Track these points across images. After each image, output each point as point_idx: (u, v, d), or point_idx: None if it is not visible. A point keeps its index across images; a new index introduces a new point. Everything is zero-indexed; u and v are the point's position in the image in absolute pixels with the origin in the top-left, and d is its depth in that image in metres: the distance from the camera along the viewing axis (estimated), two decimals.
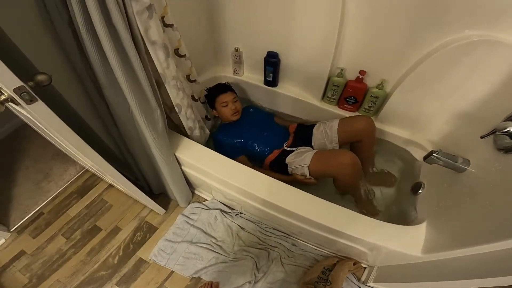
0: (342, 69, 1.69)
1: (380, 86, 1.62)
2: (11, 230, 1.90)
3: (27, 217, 1.94)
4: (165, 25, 1.32)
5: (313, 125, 1.82)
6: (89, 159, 1.18)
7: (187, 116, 1.57)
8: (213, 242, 1.68)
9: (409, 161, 1.80)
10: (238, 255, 1.63)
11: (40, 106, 0.89)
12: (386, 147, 1.85)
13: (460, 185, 1.22)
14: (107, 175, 1.36)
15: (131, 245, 1.78)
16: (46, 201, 2.02)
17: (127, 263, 1.71)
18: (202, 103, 1.93)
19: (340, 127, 1.68)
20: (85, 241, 1.82)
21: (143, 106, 1.22)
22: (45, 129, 1.12)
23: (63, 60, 1.16)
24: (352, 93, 1.73)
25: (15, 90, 0.79)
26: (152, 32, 1.15)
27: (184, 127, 1.60)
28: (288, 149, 1.73)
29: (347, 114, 1.83)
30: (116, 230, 1.85)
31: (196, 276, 1.60)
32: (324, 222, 1.29)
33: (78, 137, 1.08)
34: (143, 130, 1.28)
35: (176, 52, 1.48)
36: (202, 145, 1.62)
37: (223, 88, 1.90)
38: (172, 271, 1.64)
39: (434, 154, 1.20)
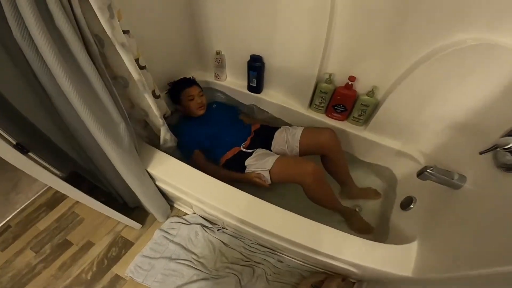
0: (330, 75, 1.55)
1: (371, 93, 1.49)
2: None
3: None
4: (123, 31, 1.13)
5: (277, 128, 1.72)
6: (26, 170, 1.05)
7: (167, 127, 1.46)
8: (193, 258, 1.55)
9: (394, 176, 1.70)
10: (221, 272, 1.50)
11: None
12: (374, 159, 1.75)
13: (455, 202, 1.12)
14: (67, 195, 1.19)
15: (106, 261, 1.63)
16: (13, 214, 1.86)
17: (102, 279, 1.58)
18: (166, 118, 1.76)
19: (302, 137, 1.60)
20: (56, 256, 1.67)
21: (102, 119, 1.05)
22: None
23: (10, 67, 0.98)
24: (341, 100, 1.60)
25: None
26: (117, 33, 0.99)
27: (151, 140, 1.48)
28: (245, 150, 1.62)
29: (335, 123, 1.70)
30: (88, 245, 1.69)
31: None
32: (305, 242, 1.19)
33: (12, 149, 0.96)
34: (103, 147, 1.12)
35: (137, 63, 1.28)
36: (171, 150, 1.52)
37: (189, 82, 1.79)
38: None
39: (428, 171, 1.10)
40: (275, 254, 1.55)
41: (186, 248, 1.58)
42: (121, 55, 1.01)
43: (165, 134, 1.46)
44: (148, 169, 1.40)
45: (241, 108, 2.04)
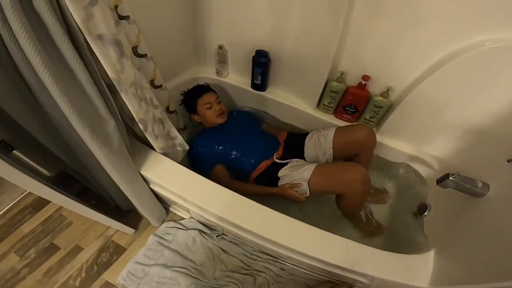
0: (342, 73, 1.45)
1: (385, 94, 1.39)
2: None
3: None
4: (120, 17, 1.03)
5: (306, 134, 1.58)
6: (6, 177, 0.95)
7: (156, 134, 1.28)
8: (191, 266, 1.44)
9: (411, 179, 1.58)
10: (220, 281, 1.40)
11: None
12: (385, 161, 1.64)
13: (477, 211, 1.06)
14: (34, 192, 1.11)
15: (95, 267, 1.53)
16: None
17: (91, 286, 1.48)
18: (171, 112, 1.61)
19: (336, 137, 1.45)
20: (41, 260, 1.56)
21: (88, 116, 0.94)
22: None
23: None
24: (353, 101, 1.49)
25: None
26: (97, 22, 0.86)
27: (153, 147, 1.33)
28: (279, 161, 1.48)
29: (345, 124, 1.59)
30: (77, 250, 1.58)
31: None
32: (315, 254, 1.10)
33: None
34: (90, 147, 1.01)
35: (135, 51, 1.17)
36: (179, 160, 1.37)
37: (204, 88, 1.65)
38: None
39: (450, 178, 1.02)
40: (277, 262, 1.45)
41: (183, 255, 1.48)
42: (93, 49, 0.88)
43: (155, 141, 1.31)
44: (142, 171, 1.29)
45: (263, 117, 1.92)
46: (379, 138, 1.51)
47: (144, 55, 1.21)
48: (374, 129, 1.55)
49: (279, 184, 1.40)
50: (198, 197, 1.24)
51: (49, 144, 1.24)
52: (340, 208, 1.38)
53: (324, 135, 1.48)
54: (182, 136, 1.49)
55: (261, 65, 1.63)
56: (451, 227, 1.14)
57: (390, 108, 1.43)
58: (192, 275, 1.42)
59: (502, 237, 0.88)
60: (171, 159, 1.35)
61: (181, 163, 1.37)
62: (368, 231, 1.46)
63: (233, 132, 1.61)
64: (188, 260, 1.47)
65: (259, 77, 1.69)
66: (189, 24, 1.67)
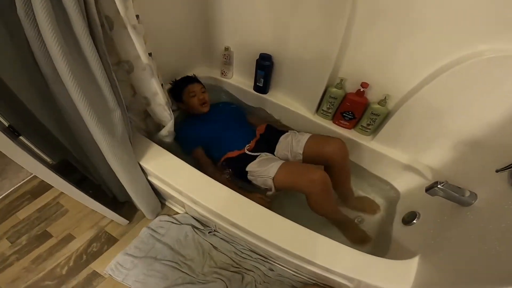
0: (342, 80, 1.50)
1: (383, 102, 1.44)
2: None
3: None
4: None
5: (283, 132, 1.65)
6: (10, 155, 0.99)
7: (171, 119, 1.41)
8: (180, 260, 1.47)
9: (398, 190, 1.64)
10: (208, 277, 1.43)
11: None
12: (378, 171, 1.69)
13: (462, 219, 1.09)
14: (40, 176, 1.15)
15: (84, 256, 1.55)
16: None
17: (78, 275, 1.49)
18: None
19: (308, 144, 1.51)
20: (32, 247, 1.59)
21: (97, 105, 1.00)
22: None
23: (8, 45, 0.92)
24: (351, 107, 1.54)
25: None
26: (131, 14, 0.96)
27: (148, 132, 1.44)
28: (249, 153, 1.54)
29: (342, 131, 1.64)
30: (68, 238, 1.61)
31: None
32: (300, 252, 1.13)
33: (5, 137, 0.91)
34: (94, 134, 1.06)
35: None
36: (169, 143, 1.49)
37: (191, 79, 1.77)
38: None
39: (438, 186, 1.05)
40: (267, 262, 1.48)
41: (174, 249, 1.51)
42: (132, 37, 0.99)
43: (171, 126, 1.43)
44: (141, 162, 1.34)
45: (249, 109, 1.98)
46: (374, 145, 1.57)
47: (150, 54, 1.27)
48: (371, 136, 1.60)
49: (248, 177, 1.47)
50: (193, 190, 1.28)
51: (54, 132, 1.29)
52: (311, 208, 1.41)
53: (297, 139, 1.54)
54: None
55: (264, 68, 1.69)
56: (437, 234, 1.16)
57: (387, 116, 1.48)
58: (180, 269, 1.44)
59: (486, 245, 0.90)
60: (166, 142, 1.51)
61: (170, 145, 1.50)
62: (355, 238, 1.50)
63: (214, 120, 1.72)
64: (178, 254, 1.50)
65: (262, 80, 1.76)
66: (199, 25, 1.75)
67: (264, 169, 1.41)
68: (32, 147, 1.54)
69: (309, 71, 1.55)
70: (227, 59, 1.86)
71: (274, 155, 1.59)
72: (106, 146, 1.10)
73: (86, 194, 1.33)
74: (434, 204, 1.24)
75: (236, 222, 1.20)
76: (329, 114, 1.66)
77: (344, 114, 1.59)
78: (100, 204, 1.41)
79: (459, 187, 1.06)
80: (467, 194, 1.06)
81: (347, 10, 1.21)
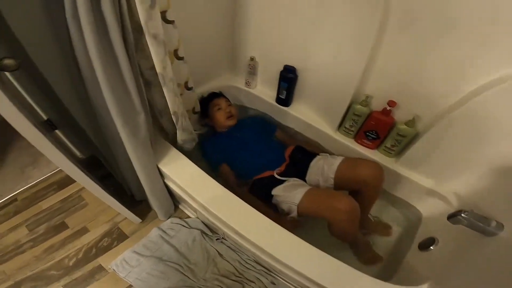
0: (367, 97, 1.46)
1: (411, 123, 1.37)
2: None
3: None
4: (166, 21, 1.18)
5: (314, 155, 1.59)
6: (39, 148, 1.03)
7: (183, 128, 1.43)
8: (184, 263, 1.48)
9: (420, 214, 1.53)
10: (208, 283, 1.41)
11: None
12: (400, 193, 1.60)
13: (484, 250, 1.02)
14: (63, 168, 1.20)
15: (94, 250, 1.60)
16: (23, 188, 1.90)
17: (83, 268, 1.53)
18: (196, 113, 1.77)
19: (340, 168, 1.43)
20: (47, 237, 1.65)
21: (124, 107, 1.07)
22: None
23: (54, 46, 1.04)
24: (375, 126, 1.49)
25: None
26: (154, 24, 1.01)
27: (176, 137, 1.47)
28: (278, 177, 1.48)
29: (364, 150, 1.59)
30: (83, 231, 1.68)
31: None
32: (308, 273, 1.08)
33: (31, 125, 0.94)
34: (121, 134, 1.14)
35: (175, 53, 1.33)
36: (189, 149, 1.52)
37: (216, 94, 1.83)
38: (130, 286, 1.44)
39: (462, 215, 1.00)
40: (269, 275, 1.44)
41: (180, 251, 1.52)
42: (149, 46, 1.03)
43: (181, 134, 1.44)
44: (159, 165, 1.39)
45: (278, 125, 1.95)
46: (397, 168, 1.50)
47: (182, 58, 1.36)
48: (394, 158, 1.54)
49: (273, 201, 1.43)
50: (205, 198, 1.30)
51: (86, 128, 1.39)
52: (330, 233, 1.35)
53: (330, 163, 1.47)
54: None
55: (288, 80, 1.70)
56: (453, 263, 1.10)
57: (414, 138, 1.41)
58: (183, 272, 1.44)
59: (507, 278, 0.84)
60: (186, 148, 1.52)
61: (191, 153, 1.52)
62: (366, 259, 1.43)
63: (241, 136, 1.70)
64: (183, 257, 1.50)
65: (284, 92, 1.77)
66: (227, 34, 1.81)
67: (289, 194, 1.36)
68: (66, 141, 1.65)
69: (333, 86, 1.53)
70: (252, 69, 1.89)
71: (304, 180, 1.53)
72: (130, 146, 1.17)
73: (105, 190, 1.38)
74: (455, 231, 1.16)
75: (244, 234, 1.19)
76: (352, 132, 1.61)
77: (367, 133, 1.54)
78: (115, 201, 1.46)
79: (485, 217, 1.00)
80: (493, 224, 0.99)
81: (375, 23, 1.19)
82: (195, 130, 1.72)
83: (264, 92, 1.96)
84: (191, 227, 1.59)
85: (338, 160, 1.45)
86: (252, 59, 1.83)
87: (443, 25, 1.09)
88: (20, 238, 1.64)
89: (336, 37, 1.37)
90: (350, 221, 1.25)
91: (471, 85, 1.14)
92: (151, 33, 1.00)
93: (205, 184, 1.33)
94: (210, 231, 1.58)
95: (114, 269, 1.46)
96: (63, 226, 1.68)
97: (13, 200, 1.81)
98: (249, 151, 1.64)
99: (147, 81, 1.20)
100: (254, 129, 1.78)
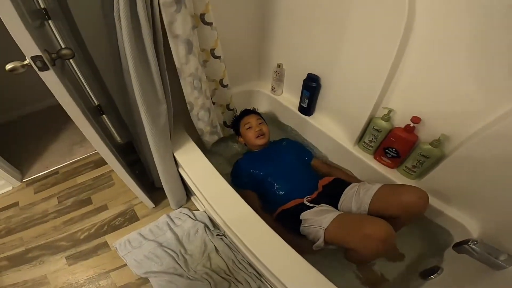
0: (390, 111, 1.37)
1: (436, 143, 1.24)
2: (23, 180, 2.05)
3: (43, 172, 2.09)
4: (205, 23, 1.33)
5: (349, 183, 1.47)
6: (82, 130, 1.24)
7: (199, 117, 1.54)
8: (181, 252, 1.54)
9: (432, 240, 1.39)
10: (197, 275, 1.45)
11: (49, 74, 0.95)
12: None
13: (491, 284, 0.94)
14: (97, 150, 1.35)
15: (106, 227, 1.74)
16: (66, 163, 2.16)
17: (91, 242, 1.67)
18: (230, 110, 1.86)
19: (379, 195, 1.27)
20: (71, 210, 1.83)
21: (148, 96, 1.20)
22: None
23: (105, 40, 1.24)
24: (395, 143, 1.39)
25: (32, 58, 0.88)
26: (177, 26, 1.15)
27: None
28: (309, 204, 1.39)
29: (382, 169, 1.48)
30: (103, 208, 1.84)
31: (144, 276, 1.48)
32: None
33: (78, 110, 1.11)
34: (143, 121, 1.26)
35: (212, 52, 1.47)
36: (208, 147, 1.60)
37: (247, 111, 1.83)
38: (125, 264, 1.54)
39: (469, 244, 0.94)
40: (259, 279, 1.41)
41: (180, 240, 1.59)
42: (170, 44, 1.18)
43: (196, 122, 1.55)
44: (175, 154, 1.49)
45: (315, 153, 1.87)
46: None
47: (219, 57, 1.50)
48: (415, 180, 1.40)
49: (301, 227, 1.34)
50: (210, 193, 1.34)
51: (124, 115, 1.60)
52: (347, 259, 1.26)
53: (366, 188, 1.33)
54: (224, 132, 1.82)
55: (310, 89, 1.70)
56: None
57: (439, 159, 1.28)
58: (177, 260, 1.50)
59: None
60: (204, 141, 1.62)
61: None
62: (369, 281, 1.31)
63: (275, 161, 1.63)
64: (181, 246, 1.56)
65: (306, 101, 1.76)
66: (256, 40, 1.88)
67: (318, 219, 1.26)
68: (110, 126, 1.80)
69: (354, 98, 1.48)
70: (278, 76, 1.93)
71: (337, 208, 1.41)
72: (150, 133, 1.29)
73: (130, 174, 1.51)
74: (460, 262, 1.05)
75: (241, 238, 1.17)
76: (371, 148, 1.53)
77: (387, 150, 1.45)
78: (135, 185, 1.58)
79: (496, 248, 0.92)
80: (503, 257, 0.91)
81: (400, 33, 1.12)
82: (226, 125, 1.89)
83: (288, 99, 1.98)
84: (196, 219, 1.65)
85: (377, 186, 1.31)
86: (279, 66, 1.87)
87: (479, 37, 0.98)
88: (48, 208, 1.85)
89: (359, 47, 1.34)
90: (383, 250, 1.07)
91: (508, 103, 1.00)
92: (173, 33, 1.14)
93: (213, 181, 1.37)
94: (213, 226, 1.63)
95: (116, 248, 1.58)
96: (88, 201, 1.87)
97: (55, 172, 2.08)
98: (280, 175, 1.56)
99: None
100: (289, 153, 1.70)
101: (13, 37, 0.81)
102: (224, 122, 1.91)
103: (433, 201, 1.32)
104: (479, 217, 1.21)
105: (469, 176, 1.17)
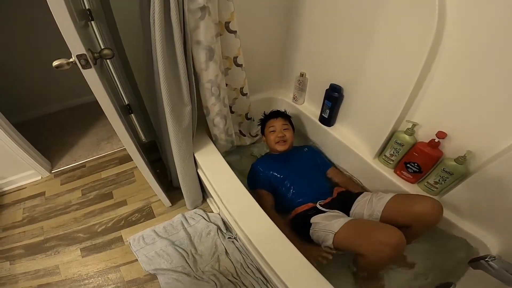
0: (414, 125, 1.34)
1: (461, 159, 1.20)
2: (52, 171, 2.19)
3: (72, 165, 2.23)
4: (229, 31, 1.38)
5: (362, 192, 1.50)
6: (114, 127, 1.26)
7: (214, 123, 1.58)
8: (191, 252, 1.58)
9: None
10: (204, 276, 1.47)
11: (91, 72, 1.02)
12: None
13: None
14: (125, 146, 1.41)
15: (123, 222, 1.80)
16: (94, 157, 2.29)
17: (106, 236, 1.73)
18: (248, 119, 1.90)
19: (392, 203, 1.28)
20: (93, 203, 1.92)
21: (174, 97, 1.26)
22: None
23: (141, 41, 1.32)
24: (418, 159, 1.36)
25: (77, 56, 0.96)
26: (200, 32, 1.21)
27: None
28: (321, 208, 1.42)
29: (402, 183, 1.44)
30: (122, 203, 1.91)
31: (152, 273, 1.51)
32: None
33: (113, 108, 1.16)
34: (167, 121, 1.32)
35: (235, 60, 1.51)
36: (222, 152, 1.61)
37: (276, 113, 1.84)
38: (136, 260, 1.58)
39: (487, 260, 0.91)
40: (265, 285, 1.41)
41: (192, 240, 1.63)
42: (192, 50, 1.23)
43: (212, 127, 1.59)
44: (195, 154, 1.54)
45: (334, 163, 1.88)
46: None
47: (241, 65, 1.55)
48: (436, 197, 1.35)
49: (310, 230, 1.35)
50: (225, 193, 1.37)
51: (150, 115, 1.70)
52: (356, 267, 1.25)
53: (379, 197, 1.35)
54: (248, 141, 1.89)
55: (332, 99, 1.70)
56: None
57: (463, 177, 1.23)
58: (186, 259, 1.53)
59: None
60: (218, 147, 1.61)
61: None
62: None
63: (294, 165, 1.66)
64: (193, 246, 1.60)
65: (327, 111, 1.77)
66: (280, 49, 1.93)
67: (328, 222, 1.28)
68: (136, 124, 1.89)
69: (377, 110, 1.47)
70: (300, 85, 1.95)
71: (348, 215, 1.41)
72: (172, 132, 1.35)
73: (151, 171, 1.58)
74: (476, 278, 1.01)
75: (254, 243, 1.17)
76: (391, 162, 1.50)
77: (408, 165, 1.41)
78: (155, 182, 1.65)
79: None
80: None
81: (428, 46, 1.10)
82: (251, 135, 1.94)
83: (309, 109, 2.00)
84: (210, 221, 1.69)
85: (389, 195, 1.32)
86: (302, 75, 1.90)
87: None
88: (72, 200, 1.95)
89: (385, 59, 1.33)
90: (394, 257, 1.08)
91: None
92: (195, 39, 1.20)
93: (231, 184, 1.39)
94: (226, 229, 1.65)
95: (130, 243, 1.64)
96: (109, 196, 1.97)
97: (82, 166, 2.21)
98: (297, 178, 1.59)
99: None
100: (309, 159, 1.74)
101: (63, 35, 0.88)
102: (240, 131, 1.94)
103: (453, 218, 1.29)
104: (500, 235, 1.16)
105: (492, 195, 1.13)
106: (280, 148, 1.69)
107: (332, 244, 1.20)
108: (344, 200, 1.47)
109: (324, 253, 1.21)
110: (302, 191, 1.53)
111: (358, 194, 1.48)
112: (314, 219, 1.35)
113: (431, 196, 1.32)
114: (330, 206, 1.44)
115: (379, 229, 1.12)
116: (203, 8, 1.13)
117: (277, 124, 1.73)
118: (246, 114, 1.85)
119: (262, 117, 1.86)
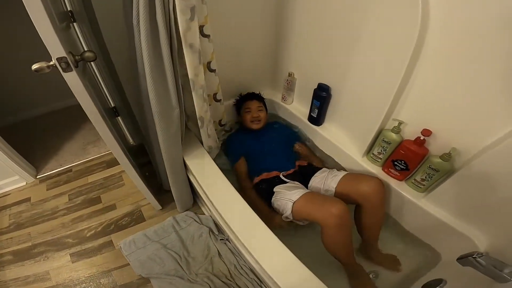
0: (400, 123, 1.37)
1: (447, 156, 1.23)
2: (37, 177, 2.14)
3: (57, 170, 2.18)
4: (203, 35, 1.33)
5: (320, 168, 1.67)
6: (98, 130, 1.25)
7: (208, 133, 1.56)
8: (184, 255, 1.58)
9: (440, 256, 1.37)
10: (198, 279, 1.48)
11: (72, 75, 1.00)
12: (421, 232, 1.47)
13: None
14: (111, 150, 1.40)
15: (112, 226, 1.79)
16: (80, 162, 2.24)
17: (96, 241, 1.71)
18: (222, 125, 1.90)
19: (342, 182, 1.47)
20: (81, 207, 1.89)
21: (162, 100, 1.25)
22: None
23: (127, 46, 1.30)
24: (405, 156, 1.39)
25: (57, 59, 0.94)
26: (191, 34, 1.18)
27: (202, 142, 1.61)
28: (283, 178, 1.58)
29: (391, 181, 1.48)
30: (111, 208, 1.89)
31: (145, 277, 1.51)
32: None
33: (96, 111, 1.14)
34: (155, 124, 1.31)
35: (208, 65, 1.47)
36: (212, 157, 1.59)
37: (252, 95, 1.98)
38: (128, 264, 1.58)
39: (475, 257, 0.93)
40: (259, 286, 1.42)
41: (184, 243, 1.62)
42: (184, 54, 1.19)
43: (206, 139, 1.56)
44: (185, 158, 1.53)
45: (301, 138, 2.02)
46: (425, 204, 1.37)
47: (214, 70, 1.51)
48: (423, 193, 1.40)
49: (272, 198, 1.50)
50: (216, 197, 1.37)
51: (138, 118, 1.66)
52: (323, 244, 1.32)
53: (334, 174, 1.53)
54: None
55: (320, 99, 1.72)
56: None
57: (448, 173, 1.27)
58: (179, 262, 1.53)
59: None
60: (212, 156, 1.60)
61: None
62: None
63: (263, 139, 1.85)
64: (185, 249, 1.59)
65: (316, 111, 1.79)
66: (270, 49, 1.93)
67: (289, 192, 1.43)
68: (124, 127, 1.87)
69: (365, 109, 1.50)
70: (289, 85, 1.97)
71: (306, 187, 1.57)
72: (161, 135, 1.33)
73: (140, 175, 1.56)
74: (468, 276, 1.02)
75: (244, 243, 1.19)
76: (379, 160, 1.53)
77: (395, 163, 1.44)
78: (144, 186, 1.64)
79: (502, 262, 0.90)
80: (508, 270, 0.89)
81: (411, 46, 1.13)
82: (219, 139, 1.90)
83: (298, 109, 2.02)
84: (202, 223, 1.69)
85: (342, 173, 1.51)
86: (290, 74, 1.92)
87: (494, 49, 0.98)
88: (59, 205, 1.91)
89: (371, 58, 1.36)
90: (341, 226, 1.24)
91: None
92: (188, 42, 1.16)
93: (221, 186, 1.40)
94: (218, 230, 1.65)
95: (121, 247, 1.62)
96: (97, 200, 1.94)
97: (68, 170, 2.17)
98: (266, 150, 1.77)
99: (183, 85, 1.37)
100: (278, 135, 1.92)
101: (41, 37, 0.86)
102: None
103: (441, 214, 1.32)
104: (487, 231, 1.20)
105: (479, 190, 1.16)
106: (255, 126, 1.87)
107: (291, 213, 1.35)
108: (304, 173, 1.65)
109: (283, 223, 1.43)
110: (270, 160, 1.70)
111: (317, 169, 1.64)
112: (277, 188, 1.51)
113: (376, 176, 1.45)
114: (292, 177, 1.60)
115: (329, 202, 1.27)
116: (193, 9, 1.10)
117: (253, 105, 1.88)
118: (220, 121, 1.83)
119: (238, 98, 2.00)
